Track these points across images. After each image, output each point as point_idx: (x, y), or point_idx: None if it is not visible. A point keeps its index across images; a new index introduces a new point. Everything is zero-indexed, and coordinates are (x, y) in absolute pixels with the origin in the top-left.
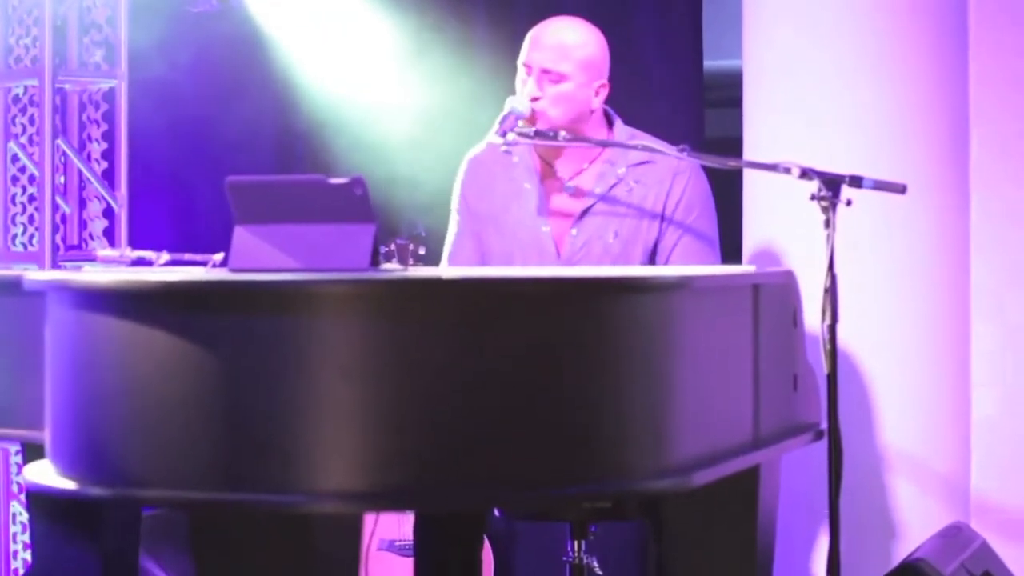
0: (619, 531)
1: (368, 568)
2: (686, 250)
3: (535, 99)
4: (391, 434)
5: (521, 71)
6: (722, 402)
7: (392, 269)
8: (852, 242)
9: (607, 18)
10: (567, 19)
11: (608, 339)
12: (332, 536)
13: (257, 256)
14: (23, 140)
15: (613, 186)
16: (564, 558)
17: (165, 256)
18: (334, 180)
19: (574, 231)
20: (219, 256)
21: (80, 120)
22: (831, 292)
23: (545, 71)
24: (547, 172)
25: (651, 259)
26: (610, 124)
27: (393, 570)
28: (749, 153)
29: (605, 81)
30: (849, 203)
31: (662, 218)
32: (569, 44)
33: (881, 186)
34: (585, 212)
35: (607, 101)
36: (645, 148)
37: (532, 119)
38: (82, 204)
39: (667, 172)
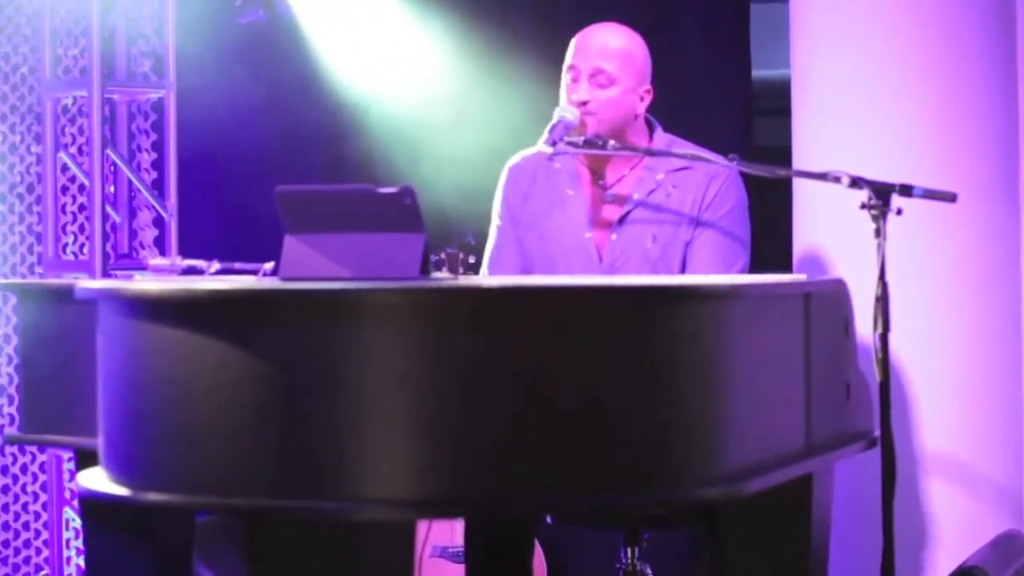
0: (673, 539)
1: (421, 575)
2: (709, 242)
3: (584, 103)
4: (442, 441)
5: (567, 75)
6: (774, 410)
7: (442, 278)
8: (902, 251)
9: (655, 26)
10: (612, 24)
11: (660, 348)
12: (385, 543)
13: (307, 265)
14: (73, 150)
15: (652, 191)
16: (617, 565)
17: (216, 265)
18: (383, 189)
19: (614, 236)
20: (270, 265)
21: (129, 130)
22: (882, 301)
23: (594, 74)
24: (590, 178)
25: None
26: (651, 130)
27: None
28: (798, 162)
29: (649, 86)
30: (899, 212)
31: (697, 220)
32: (617, 48)
33: (931, 195)
34: (624, 217)
35: (652, 108)
36: (695, 157)
37: (581, 128)
38: (132, 213)
39: (704, 177)
